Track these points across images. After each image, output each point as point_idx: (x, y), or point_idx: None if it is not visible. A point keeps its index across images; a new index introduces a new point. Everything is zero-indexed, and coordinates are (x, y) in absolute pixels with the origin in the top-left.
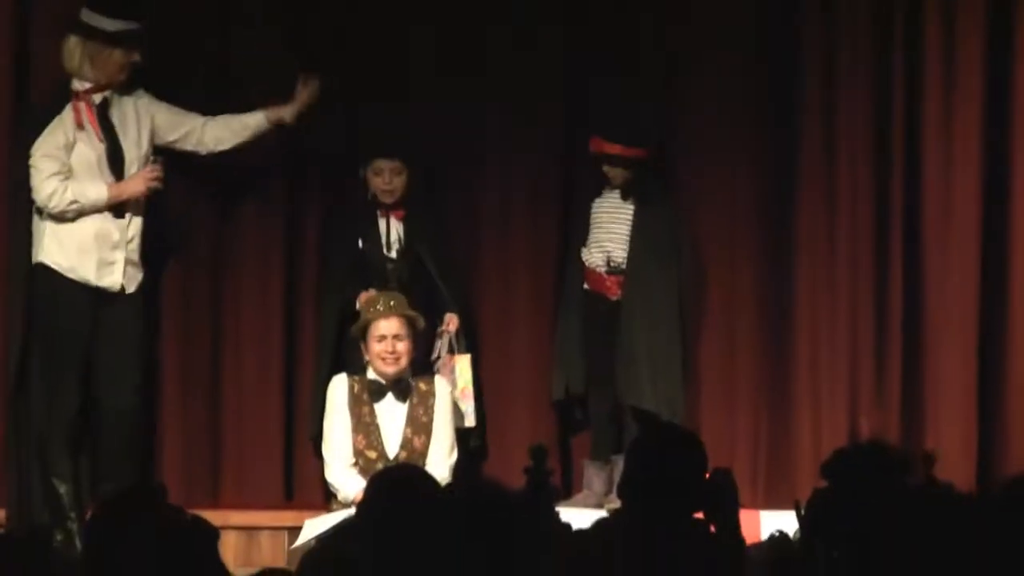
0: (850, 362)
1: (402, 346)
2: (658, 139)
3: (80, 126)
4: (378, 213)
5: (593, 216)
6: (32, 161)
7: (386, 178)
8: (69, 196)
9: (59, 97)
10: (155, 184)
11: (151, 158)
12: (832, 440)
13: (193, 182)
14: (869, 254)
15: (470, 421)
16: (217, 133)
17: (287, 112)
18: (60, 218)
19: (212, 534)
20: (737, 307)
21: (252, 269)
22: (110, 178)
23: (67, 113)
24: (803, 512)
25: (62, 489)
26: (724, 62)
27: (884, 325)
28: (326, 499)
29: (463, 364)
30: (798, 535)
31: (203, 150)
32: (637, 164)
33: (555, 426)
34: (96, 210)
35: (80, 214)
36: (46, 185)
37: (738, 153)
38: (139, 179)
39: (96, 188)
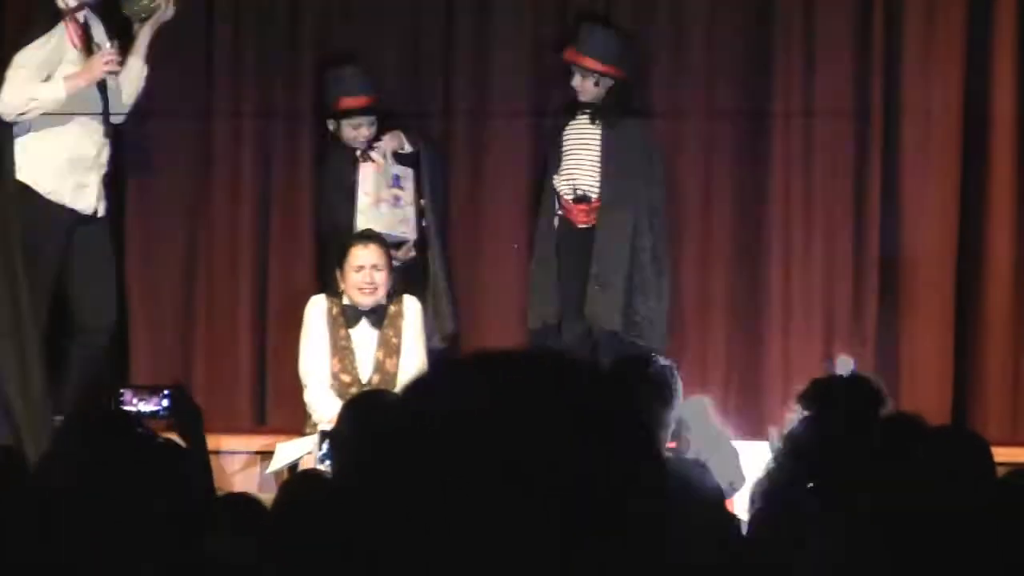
0: (823, 293)
1: (380, 276)
2: (633, 66)
3: (74, 45)
4: (359, 157)
5: (563, 144)
6: (7, 72)
7: (364, 131)
8: (25, 95)
9: (44, 13)
10: (111, 67)
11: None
12: (803, 370)
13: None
14: (847, 183)
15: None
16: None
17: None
18: (30, 129)
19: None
20: (711, 236)
21: (224, 185)
22: (97, 97)
23: (60, 31)
24: (778, 441)
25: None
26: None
27: (860, 257)
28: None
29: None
30: (771, 464)
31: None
32: (608, 82)
33: None
34: (59, 106)
35: (43, 113)
36: (5, 92)
37: (717, 77)
38: (95, 63)
39: (51, 84)
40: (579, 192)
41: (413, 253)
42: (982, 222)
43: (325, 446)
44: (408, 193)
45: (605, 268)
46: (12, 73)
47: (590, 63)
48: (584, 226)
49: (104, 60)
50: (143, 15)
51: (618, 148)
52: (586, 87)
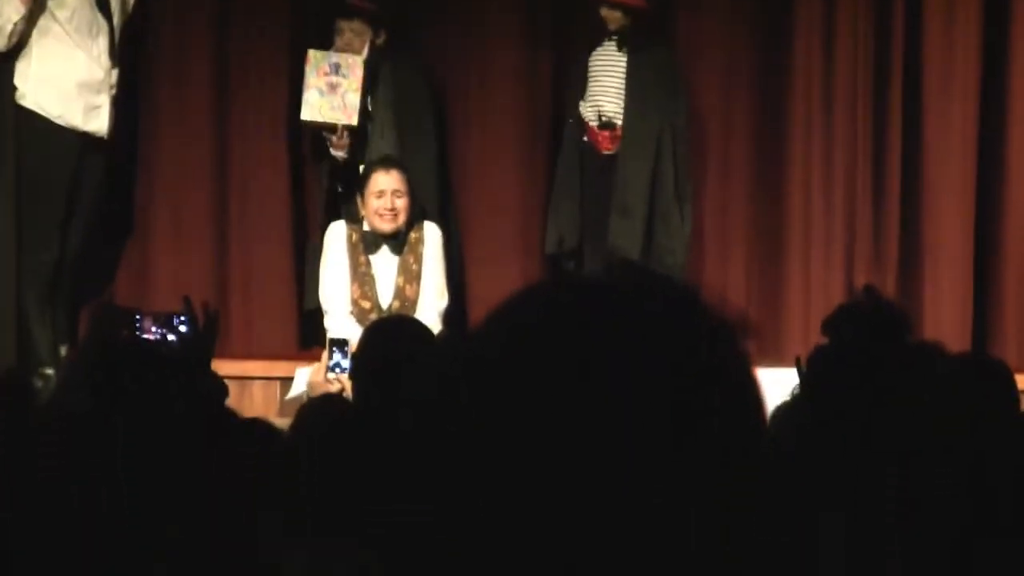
0: (844, 220)
1: (400, 203)
2: None
3: None
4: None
5: (589, 69)
6: None
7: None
8: None
9: None
10: None
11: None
12: (822, 297)
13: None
14: (867, 108)
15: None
16: None
17: None
18: (32, 57)
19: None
20: (731, 161)
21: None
22: (103, 22)
23: None
24: (803, 368)
25: (40, 338)
26: None
27: (881, 182)
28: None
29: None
30: (797, 391)
31: None
32: (635, 12)
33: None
34: (19, 16)
35: (12, 36)
36: None
37: (737, 4)
38: None
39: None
40: (604, 118)
41: (347, 140)
42: (1003, 154)
43: (336, 354)
44: (350, 81)
45: (627, 196)
46: None
47: None
48: (608, 153)
49: None
50: None
51: (642, 74)
52: (612, 16)
